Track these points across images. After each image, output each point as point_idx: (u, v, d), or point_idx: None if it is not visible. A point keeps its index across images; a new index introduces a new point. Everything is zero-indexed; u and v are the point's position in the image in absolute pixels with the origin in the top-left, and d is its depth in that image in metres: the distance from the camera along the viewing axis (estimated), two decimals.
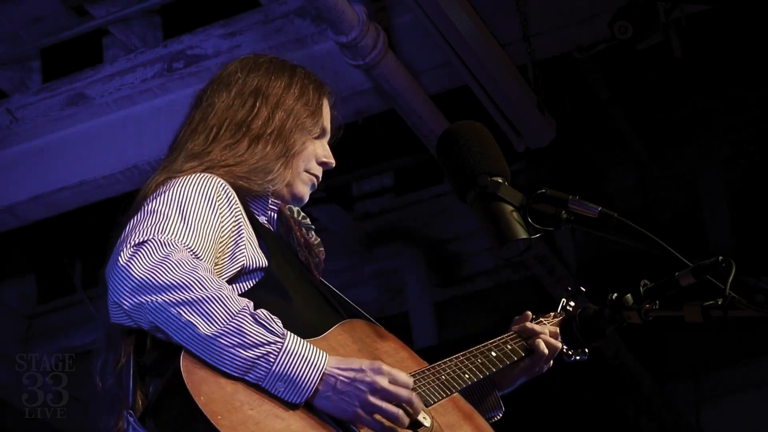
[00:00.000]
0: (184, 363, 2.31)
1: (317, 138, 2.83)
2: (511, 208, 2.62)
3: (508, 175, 2.68)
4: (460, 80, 5.26)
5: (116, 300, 2.38)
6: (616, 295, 2.76)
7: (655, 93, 6.71)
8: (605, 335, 2.90)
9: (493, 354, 2.88)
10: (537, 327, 3.03)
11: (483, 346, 2.90)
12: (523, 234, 2.59)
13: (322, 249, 2.86)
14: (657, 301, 2.65)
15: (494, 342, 2.94)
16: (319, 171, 2.83)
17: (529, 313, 3.11)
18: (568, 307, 3.15)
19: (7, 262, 7.37)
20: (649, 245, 2.51)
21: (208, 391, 2.29)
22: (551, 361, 3.04)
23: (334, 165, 2.86)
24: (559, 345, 3.03)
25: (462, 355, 2.80)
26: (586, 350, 3.07)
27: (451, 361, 2.75)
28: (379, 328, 2.73)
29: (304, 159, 2.78)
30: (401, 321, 7.11)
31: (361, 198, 7.38)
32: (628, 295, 2.71)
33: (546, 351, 2.99)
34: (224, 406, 2.28)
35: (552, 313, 3.15)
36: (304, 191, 2.81)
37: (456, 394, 2.68)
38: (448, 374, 2.69)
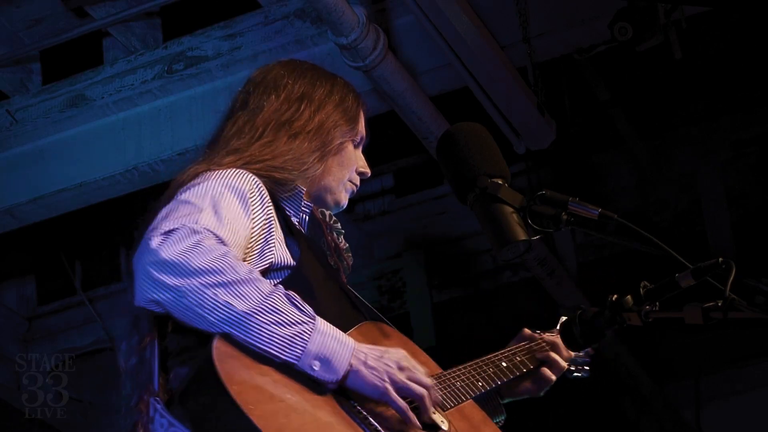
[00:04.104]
0: (216, 351, 2.33)
1: (355, 146, 2.93)
2: (511, 209, 2.62)
3: (508, 177, 2.69)
4: (460, 82, 5.26)
5: (146, 284, 2.39)
6: (616, 296, 2.76)
7: (655, 94, 6.71)
8: (605, 337, 2.90)
9: (504, 364, 2.94)
10: (552, 354, 3.07)
11: (495, 356, 2.95)
12: (523, 236, 2.60)
13: (350, 255, 2.95)
14: (657, 303, 2.65)
15: (504, 353, 2.99)
16: (358, 180, 2.95)
17: (538, 334, 3.14)
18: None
19: (7, 264, 7.37)
20: (649, 247, 2.51)
21: (240, 381, 2.31)
22: (555, 379, 3.09)
23: (369, 174, 2.98)
24: (566, 365, 3.08)
25: (474, 363, 2.86)
26: (587, 367, 3.11)
27: (465, 368, 2.81)
28: (397, 332, 2.78)
29: (346, 166, 2.89)
30: (401, 322, 7.11)
31: (361, 199, 7.37)
32: (628, 296, 2.71)
33: (553, 377, 3.06)
34: (256, 396, 2.31)
35: (555, 331, 3.17)
36: (345, 199, 2.93)
37: (470, 401, 2.73)
38: (463, 381, 2.74)
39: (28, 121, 5.64)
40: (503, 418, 3.02)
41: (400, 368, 2.45)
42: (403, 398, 2.46)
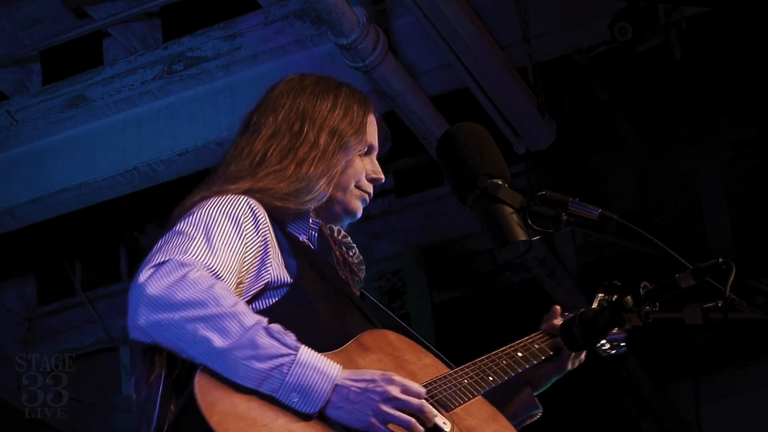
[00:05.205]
0: (199, 384, 2.35)
1: (365, 155, 2.88)
2: (511, 210, 2.62)
3: (508, 177, 2.68)
4: (460, 82, 5.26)
5: (134, 318, 2.41)
6: (616, 297, 2.76)
7: (655, 94, 6.71)
8: (605, 337, 2.90)
9: (519, 355, 2.89)
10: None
11: (509, 347, 2.90)
12: (522, 236, 2.60)
13: (363, 267, 2.95)
14: (657, 303, 2.65)
15: (521, 342, 2.94)
16: (370, 187, 2.90)
17: (558, 308, 3.08)
18: (603, 303, 3.12)
19: (7, 264, 7.37)
20: (649, 247, 2.51)
21: (221, 411, 2.32)
22: (582, 357, 3.02)
23: (383, 180, 2.92)
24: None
25: (486, 358, 2.81)
26: (623, 344, 3.06)
27: (474, 364, 2.77)
28: (404, 336, 2.75)
29: (353, 176, 2.84)
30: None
31: None
32: (629, 297, 2.71)
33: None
34: (238, 424, 2.31)
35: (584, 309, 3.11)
36: (357, 206, 2.89)
37: (479, 397, 2.69)
38: (471, 378, 2.70)
39: (28, 121, 5.64)
40: (539, 411, 2.97)
41: (386, 399, 2.40)
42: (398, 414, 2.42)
